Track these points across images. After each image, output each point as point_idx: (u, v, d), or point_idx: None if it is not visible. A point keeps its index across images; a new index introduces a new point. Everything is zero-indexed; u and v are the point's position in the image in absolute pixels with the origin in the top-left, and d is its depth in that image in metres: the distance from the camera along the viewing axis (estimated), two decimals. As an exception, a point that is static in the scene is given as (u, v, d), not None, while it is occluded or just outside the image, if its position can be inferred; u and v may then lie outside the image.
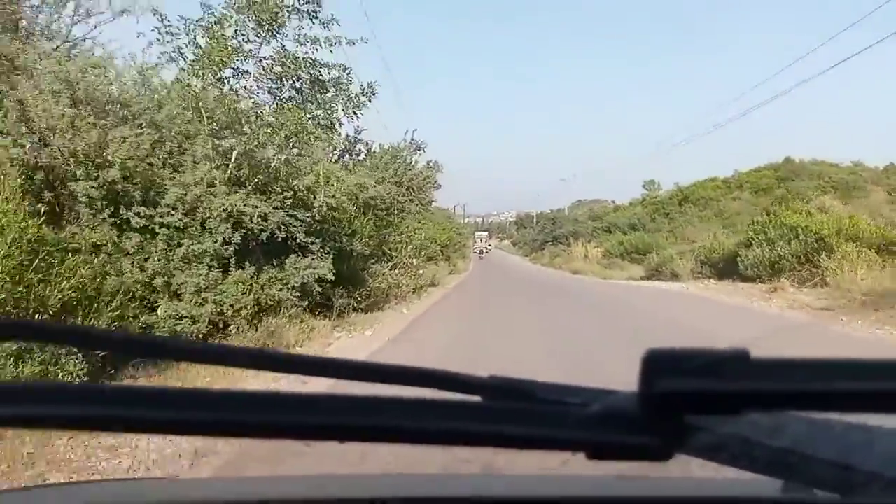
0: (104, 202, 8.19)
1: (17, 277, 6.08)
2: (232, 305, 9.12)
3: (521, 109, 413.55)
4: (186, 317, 8.73)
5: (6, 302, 5.80)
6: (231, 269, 9.54)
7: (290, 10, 12.14)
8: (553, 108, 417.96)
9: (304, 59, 12.60)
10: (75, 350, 6.05)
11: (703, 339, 9.79)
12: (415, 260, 18.70)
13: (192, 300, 8.73)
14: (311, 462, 1.86)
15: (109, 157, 7.89)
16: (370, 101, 15.64)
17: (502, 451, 0.56)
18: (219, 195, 9.20)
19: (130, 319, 7.90)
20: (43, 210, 7.34)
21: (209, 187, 9.17)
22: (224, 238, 9.22)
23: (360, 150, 19.38)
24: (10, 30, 10.41)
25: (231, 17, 12.33)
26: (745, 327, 12.03)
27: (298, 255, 11.10)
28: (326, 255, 11.60)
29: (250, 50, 12.76)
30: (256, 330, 9.27)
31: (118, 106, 8.48)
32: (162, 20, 12.18)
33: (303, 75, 13.70)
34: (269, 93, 13.61)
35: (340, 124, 15.82)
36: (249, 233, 9.73)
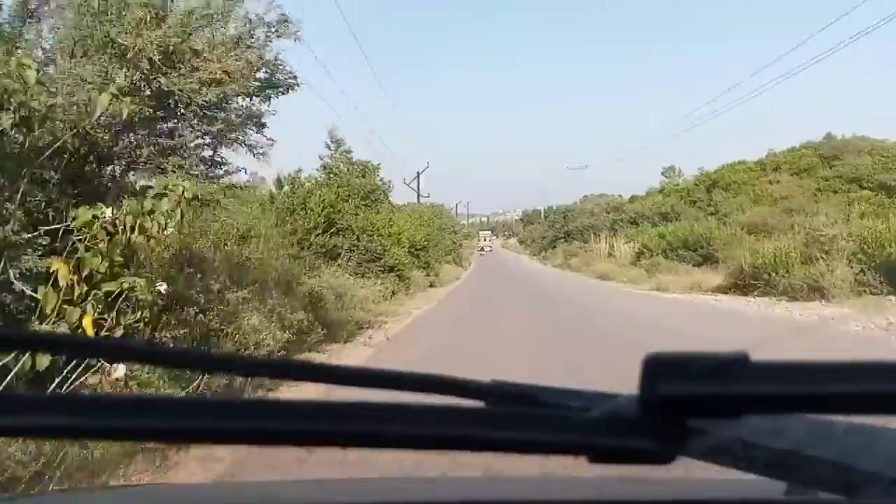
0: None
1: None
2: None
3: (523, 105, 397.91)
4: None
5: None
6: None
7: None
8: (557, 101, 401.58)
9: None
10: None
11: None
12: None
13: None
14: (312, 468, 1.64)
15: None
16: None
17: (504, 456, 0.55)
18: None
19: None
20: None
21: None
22: None
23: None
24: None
25: None
26: None
27: None
28: None
29: None
30: None
31: None
32: None
33: None
34: None
35: None
36: None
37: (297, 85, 8.26)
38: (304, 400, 0.54)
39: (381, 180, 32.43)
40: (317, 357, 8.93)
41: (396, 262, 19.35)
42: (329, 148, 31.47)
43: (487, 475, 1.57)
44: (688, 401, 0.51)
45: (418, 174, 49.34)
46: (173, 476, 4.04)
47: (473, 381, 0.59)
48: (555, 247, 53.50)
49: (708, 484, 1.10)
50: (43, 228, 4.66)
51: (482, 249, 73.74)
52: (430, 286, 25.53)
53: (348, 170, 30.48)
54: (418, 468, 1.57)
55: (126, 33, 6.20)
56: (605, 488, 1.15)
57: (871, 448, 0.57)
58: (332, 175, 30.33)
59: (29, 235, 4.54)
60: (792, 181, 40.71)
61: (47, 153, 4.65)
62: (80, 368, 4.15)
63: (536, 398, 0.58)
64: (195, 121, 6.68)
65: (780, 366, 0.51)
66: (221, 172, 8.07)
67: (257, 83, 7.35)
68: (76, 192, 5.21)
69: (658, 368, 0.51)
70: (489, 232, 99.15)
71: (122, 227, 4.19)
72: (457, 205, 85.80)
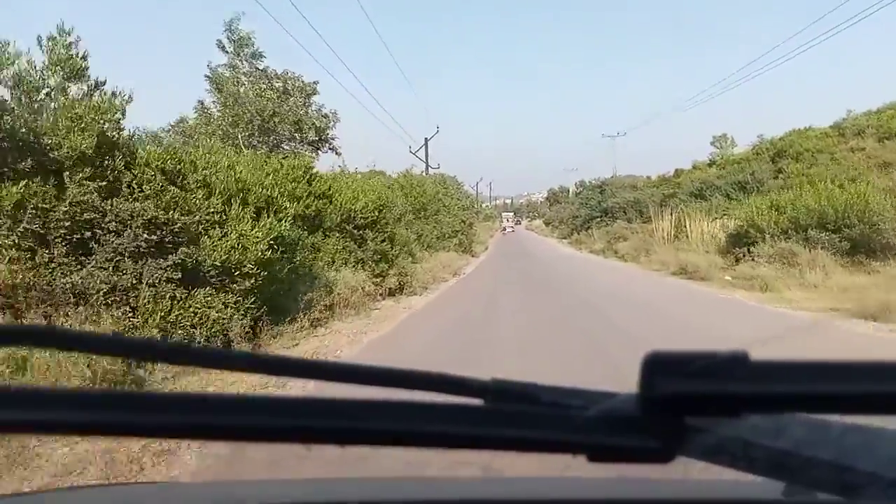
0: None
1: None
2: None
3: (551, 74, 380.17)
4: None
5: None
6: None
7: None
8: (588, 69, 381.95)
9: None
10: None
11: None
12: None
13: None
14: (310, 466, 1.35)
15: None
16: None
17: (503, 454, 0.54)
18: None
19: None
20: None
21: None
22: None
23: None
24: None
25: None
26: None
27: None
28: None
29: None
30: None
31: None
32: None
33: None
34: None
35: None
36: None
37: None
38: (303, 397, 0.54)
39: (319, 110, 19.23)
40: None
41: (230, 257, 5.70)
42: (225, 51, 18.31)
43: (486, 474, 1.46)
44: (687, 400, 0.49)
45: (426, 141, 39.48)
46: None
47: (473, 378, 0.57)
48: (589, 228, 42.91)
49: (706, 484, 1.03)
50: None
51: (504, 230, 76.58)
52: (391, 295, 12.15)
53: (254, 86, 17.44)
54: (417, 466, 1.40)
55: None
56: (604, 487, 1.08)
57: (870, 448, 0.55)
58: (224, 95, 17.20)
59: None
60: (882, 147, 32.14)
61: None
62: None
63: (536, 396, 0.56)
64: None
65: (780, 365, 0.49)
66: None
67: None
68: None
69: (657, 367, 0.49)
70: (512, 214, 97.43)
71: None
72: (477, 183, 76.83)
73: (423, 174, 36.02)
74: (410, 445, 0.51)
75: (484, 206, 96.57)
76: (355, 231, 14.03)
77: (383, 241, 15.01)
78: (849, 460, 0.52)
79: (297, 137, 18.05)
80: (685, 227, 26.10)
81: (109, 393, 0.52)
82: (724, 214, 23.80)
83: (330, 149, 20.90)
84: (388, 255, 15.15)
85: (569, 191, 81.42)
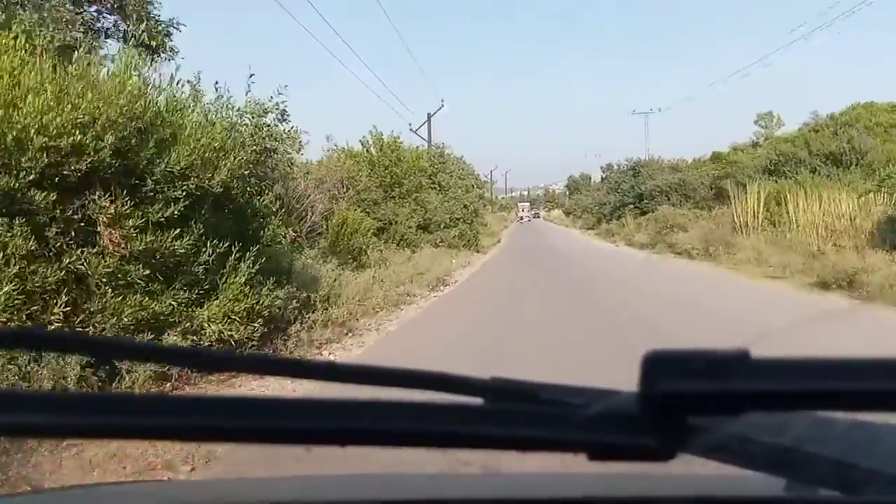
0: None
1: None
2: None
3: (560, 68, 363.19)
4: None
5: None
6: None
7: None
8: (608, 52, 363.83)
9: None
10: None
11: None
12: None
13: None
14: (310, 465, 1.26)
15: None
16: None
17: (503, 453, 0.54)
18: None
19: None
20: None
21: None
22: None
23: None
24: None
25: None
26: None
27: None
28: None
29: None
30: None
31: None
32: None
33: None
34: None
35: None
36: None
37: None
38: (303, 398, 0.53)
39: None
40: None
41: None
42: None
43: (486, 472, 1.37)
44: (688, 397, 0.48)
45: (429, 116, 33.45)
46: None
47: (473, 377, 0.57)
48: (620, 216, 35.42)
49: (707, 480, 0.99)
50: None
51: (521, 219, 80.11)
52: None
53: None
54: (417, 466, 1.30)
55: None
56: (604, 485, 1.04)
57: (871, 445, 0.54)
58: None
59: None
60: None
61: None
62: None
63: (536, 395, 0.55)
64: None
65: (781, 362, 0.48)
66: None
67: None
68: None
69: (658, 365, 0.48)
70: (527, 204, 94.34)
71: None
72: (491, 172, 79.41)
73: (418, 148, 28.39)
74: (410, 445, 0.50)
75: (499, 197, 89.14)
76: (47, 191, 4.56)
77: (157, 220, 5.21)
78: (850, 457, 0.51)
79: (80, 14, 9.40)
80: (783, 208, 18.02)
81: (110, 396, 0.53)
82: (881, 186, 15.85)
83: (151, 45, 10.21)
84: (189, 264, 5.44)
85: (590, 178, 76.79)
